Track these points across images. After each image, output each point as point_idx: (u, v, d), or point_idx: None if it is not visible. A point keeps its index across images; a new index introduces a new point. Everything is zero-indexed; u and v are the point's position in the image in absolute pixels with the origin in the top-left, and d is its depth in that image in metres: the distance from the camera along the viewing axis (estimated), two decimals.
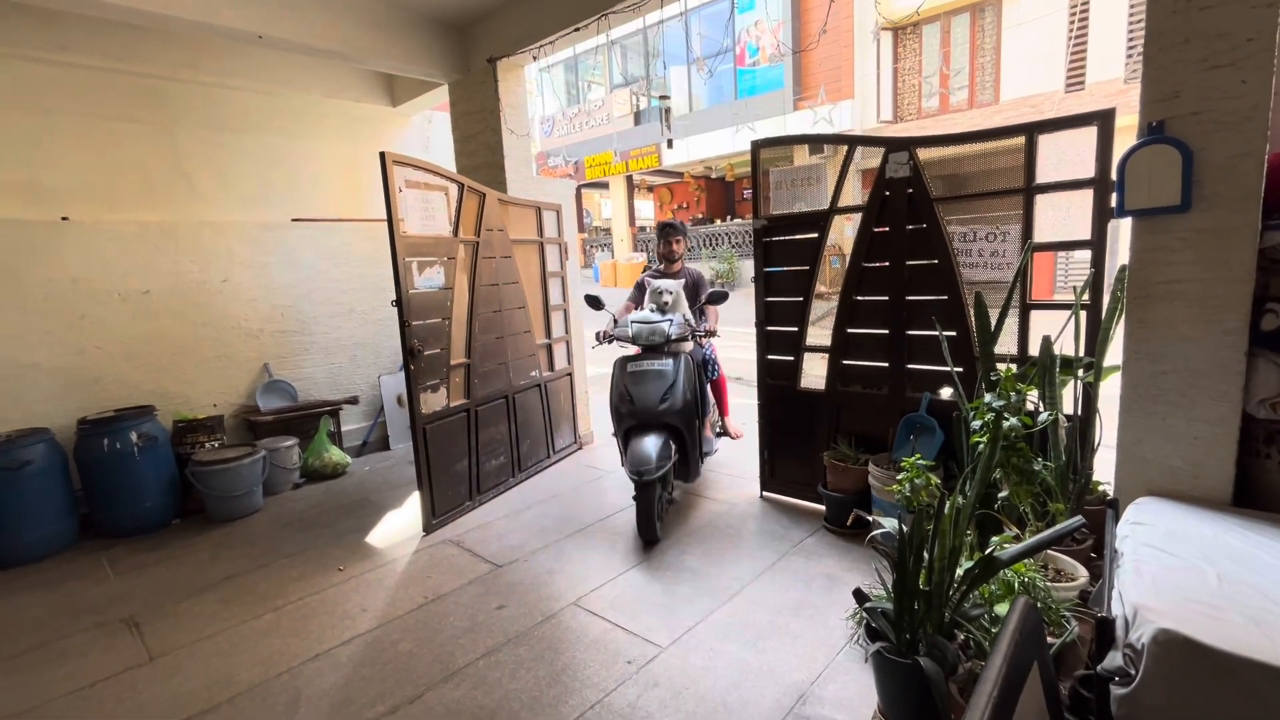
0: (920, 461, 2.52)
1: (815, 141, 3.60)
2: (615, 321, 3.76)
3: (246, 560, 3.36)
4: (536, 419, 4.53)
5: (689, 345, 3.72)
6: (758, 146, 3.50)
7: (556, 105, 19.00)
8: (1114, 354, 2.29)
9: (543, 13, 4.10)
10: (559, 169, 18.18)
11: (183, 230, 4.45)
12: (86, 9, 3.36)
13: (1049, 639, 1.75)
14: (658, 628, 2.51)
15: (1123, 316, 2.17)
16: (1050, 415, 2.35)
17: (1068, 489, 2.35)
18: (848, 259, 3.31)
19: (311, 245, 5.04)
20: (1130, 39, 9.65)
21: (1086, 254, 2.57)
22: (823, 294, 3.77)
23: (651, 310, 3.69)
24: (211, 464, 3.85)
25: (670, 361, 3.43)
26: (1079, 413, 2.45)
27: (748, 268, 13.25)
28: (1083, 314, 2.50)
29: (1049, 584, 1.94)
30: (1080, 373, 2.43)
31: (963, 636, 1.80)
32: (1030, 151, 2.67)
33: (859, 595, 1.95)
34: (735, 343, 6.50)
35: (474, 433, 3.90)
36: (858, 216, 3.25)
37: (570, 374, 4.96)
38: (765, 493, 3.76)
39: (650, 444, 3.19)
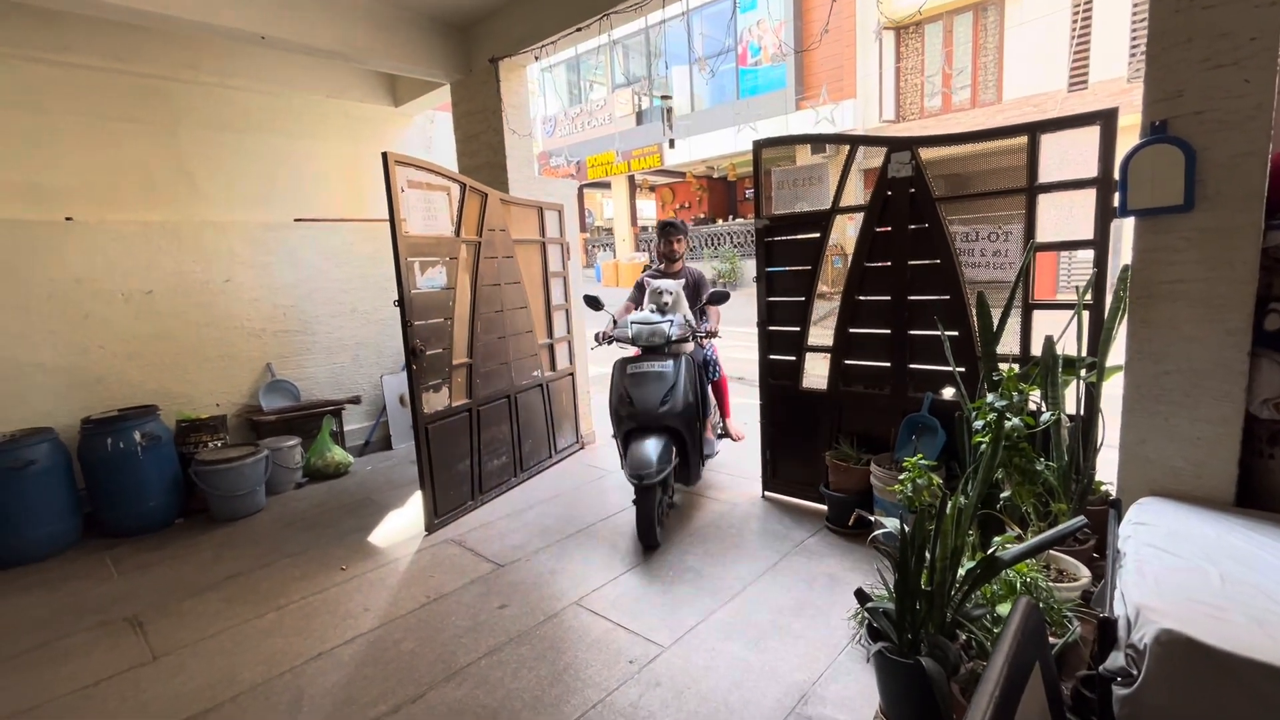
0: (922, 461, 2.52)
1: (817, 141, 3.59)
2: (614, 322, 3.72)
3: (249, 559, 3.37)
4: (538, 419, 4.54)
5: (690, 346, 3.68)
6: (760, 146, 3.50)
7: (558, 105, 19.00)
8: (1117, 354, 2.28)
9: (544, 13, 4.10)
10: (561, 169, 18.19)
11: (185, 230, 4.47)
12: (89, 9, 3.37)
13: (1051, 639, 1.75)
14: (659, 627, 2.52)
15: (1125, 316, 2.17)
16: (1052, 415, 2.35)
17: (1070, 489, 2.35)
18: (850, 259, 3.31)
19: (314, 245, 5.05)
20: (1133, 38, 9.63)
21: (1089, 254, 2.57)
22: (825, 294, 3.76)
23: (651, 311, 3.64)
24: (214, 463, 3.86)
25: (670, 363, 3.38)
26: (1081, 413, 2.44)
27: (750, 267, 13.26)
28: (1085, 314, 2.50)
29: (1051, 584, 1.94)
30: (1083, 373, 2.43)
31: (965, 637, 1.80)
32: (1033, 151, 2.67)
33: (861, 595, 1.95)
34: (737, 342, 6.50)
35: (476, 432, 3.90)
36: (860, 216, 3.25)
37: (572, 374, 4.97)
38: (767, 492, 3.76)
39: (650, 447, 3.14)
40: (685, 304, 3.83)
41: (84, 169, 4.23)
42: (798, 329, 3.49)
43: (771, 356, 3.63)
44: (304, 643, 2.56)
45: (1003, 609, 1.80)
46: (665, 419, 3.28)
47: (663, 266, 4.27)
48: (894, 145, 3.05)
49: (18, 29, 3.84)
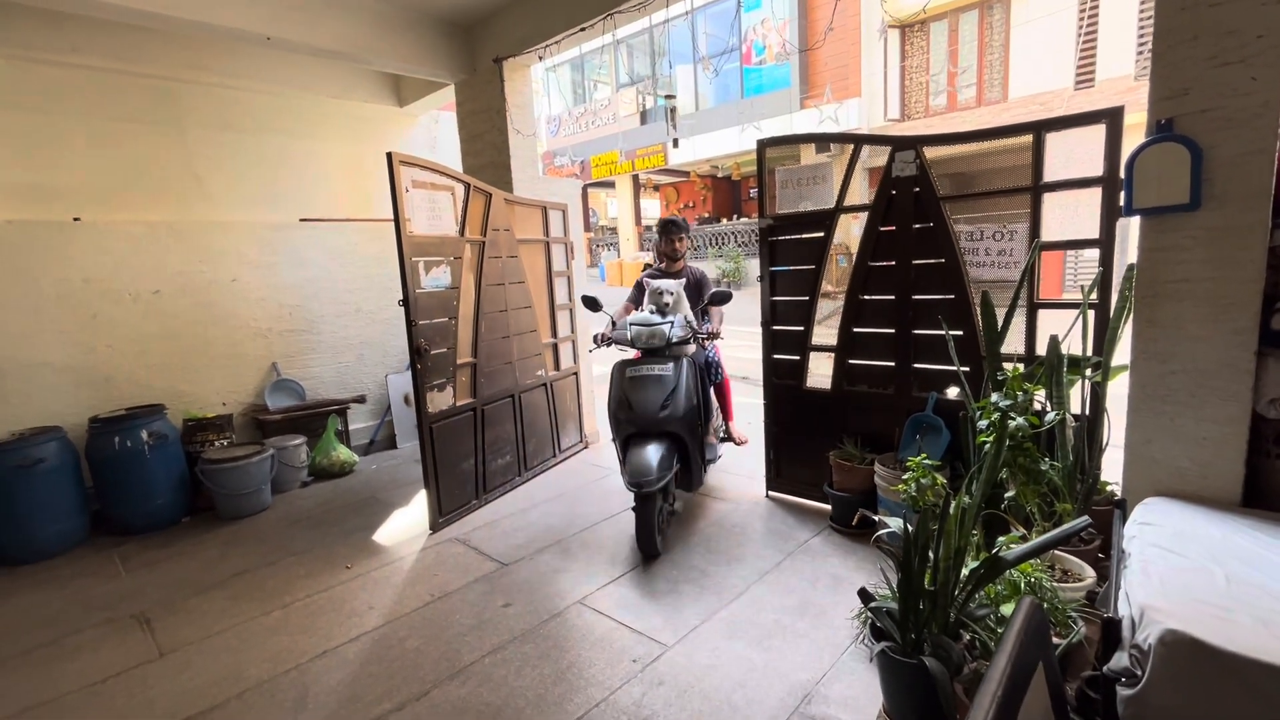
0: (926, 461, 2.51)
1: (821, 140, 3.59)
2: (613, 323, 3.60)
3: (255, 558, 3.39)
4: (542, 418, 4.55)
5: (691, 348, 3.57)
6: (764, 145, 3.49)
7: (563, 105, 19.02)
8: (1122, 353, 2.27)
9: (548, 12, 4.11)
10: (565, 168, 18.21)
11: (192, 230, 4.49)
12: (96, 11, 3.40)
13: (1056, 640, 1.75)
14: (663, 626, 2.52)
15: (1131, 316, 2.16)
16: (1057, 415, 2.34)
17: (1075, 489, 2.34)
18: (854, 258, 3.30)
19: (319, 245, 5.07)
20: (1140, 35, 9.57)
21: (1095, 253, 2.55)
22: (829, 293, 3.75)
23: (651, 311, 3.53)
24: (221, 462, 3.88)
25: (671, 365, 3.26)
26: (1087, 412, 2.43)
27: (754, 267, 13.24)
28: (1090, 313, 2.49)
29: (1056, 584, 1.93)
30: (1088, 372, 2.42)
31: (968, 637, 1.80)
32: (1038, 150, 2.66)
33: (864, 595, 1.95)
34: (741, 342, 6.49)
35: (480, 432, 3.91)
36: (864, 215, 3.24)
37: (576, 373, 4.97)
38: (771, 492, 3.76)
39: (650, 453, 3.03)
40: (686, 304, 3.74)
41: (91, 169, 4.27)
42: (801, 328, 3.48)
43: (775, 356, 3.62)
44: (309, 640, 2.57)
45: (1007, 609, 1.80)
46: (666, 424, 3.16)
47: (663, 266, 4.19)
48: (898, 144, 3.04)
49: (26, 31, 3.87)
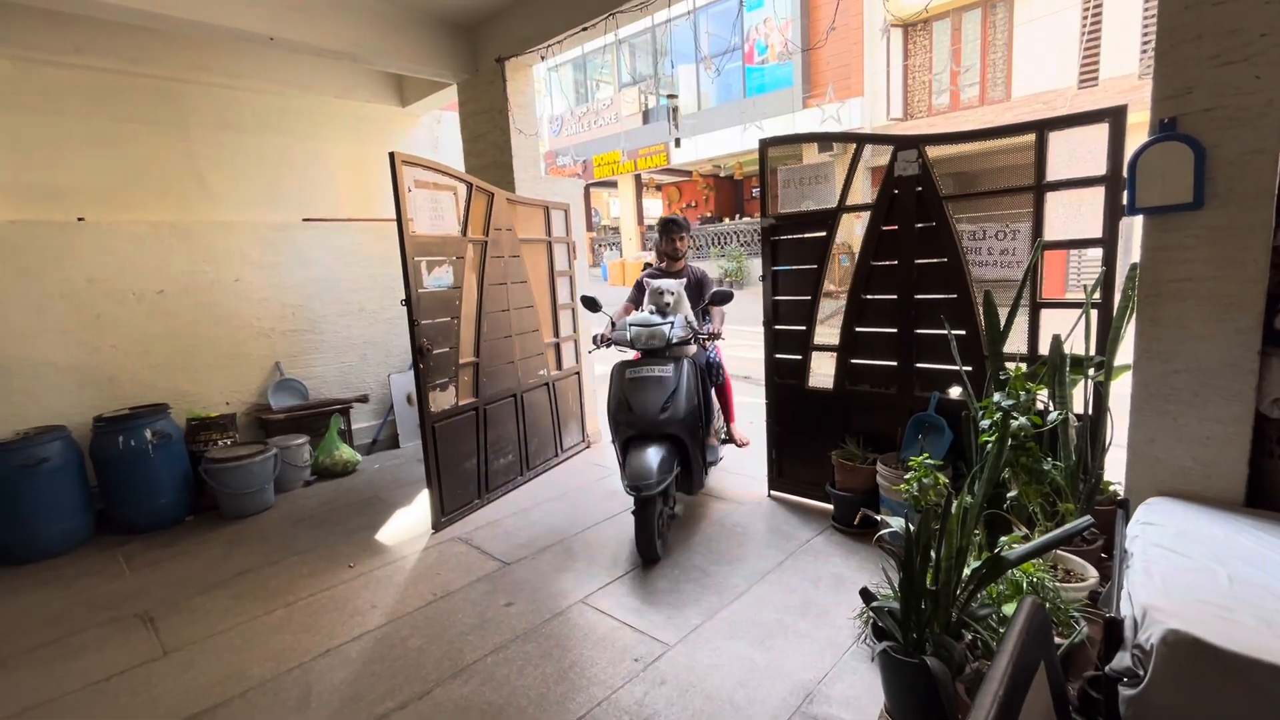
0: (928, 461, 2.51)
1: (824, 140, 3.58)
2: (613, 324, 3.55)
3: (258, 557, 3.40)
4: (544, 417, 4.55)
5: (692, 349, 3.50)
6: (766, 145, 3.49)
7: (565, 104, 19.03)
8: (1125, 353, 2.27)
9: (551, 12, 4.11)
10: (567, 168, 18.23)
11: (196, 230, 4.50)
12: (100, 12, 3.41)
13: (1058, 639, 1.74)
14: (664, 626, 2.52)
15: (1134, 315, 2.15)
16: (1060, 414, 2.34)
17: (1078, 489, 2.34)
18: (856, 257, 3.30)
19: (322, 245, 5.08)
20: (1145, 33, 9.54)
21: (1099, 252, 2.55)
22: (831, 292, 3.74)
23: (651, 312, 3.47)
24: (224, 461, 3.89)
25: (671, 367, 3.20)
26: (1089, 412, 2.43)
27: (756, 266, 13.23)
28: (1094, 312, 2.48)
29: (1058, 584, 1.93)
30: (1091, 372, 2.42)
31: (970, 636, 1.80)
32: (1041, 149, 2.66)
33: (866, 594, 1.95)
34: (743, 341, 6.49)
35: (482, 431, 3.92)
36: (866, 215, 3.24)
37: (578, 372, 4.98)
38: (773, 492, 3.76)
39: (650, 456, 2.97)
40: (687, 304, 3.68)
41: (95, 170, 4.28)
42: (804, 328, 3.48)
43: (777, 355, 3.62)
44: (312, 639, 2.58)
45: (1009, 609, 1.80)
46: (666, 426, 3.11)
47: (664, 265, 4.13)
48: (900, 143, 3.04)
49: (30, 32, 3.89)
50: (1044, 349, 2.56)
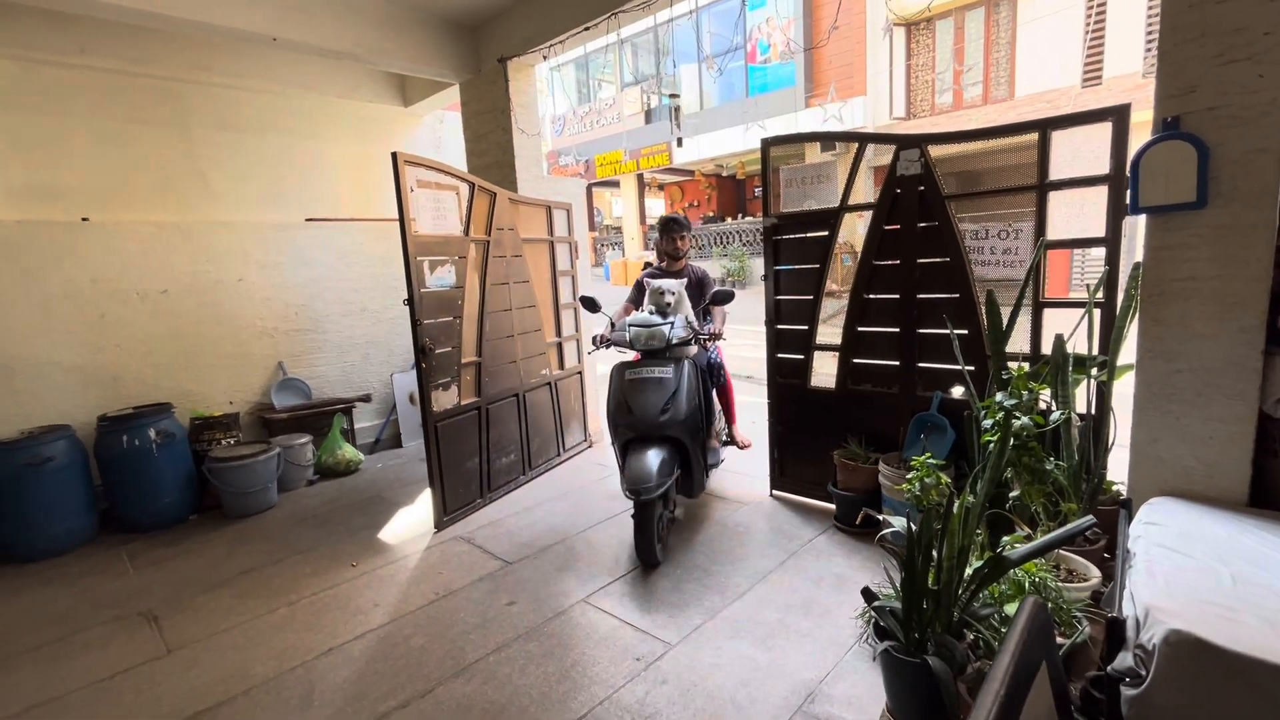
0: (931, 461, 2.51)
1: (826, 139, 3.58)
2: (612, 324, 3.51)
3: (261, 555, 3.41)
4: (547, 417, 4.56)
5: (693, 350, 3.44)
6: (768, 144, 3.49)
7: (567, 104, 19.04)
8: (1128, 352, 2.26)
9: (553, 12, 4.12)
10: (570, 168, 18.23)
11: (199, 230, 4.52)
12: (104, 13, 3.42)
13: (1060, 639, 1.74)
14: (666, 625, 2.52)
15: (1137, 314, 2.15)
16: (1062, 414, 2.33)
17: (1080, 489, 2.33)
18: (859, 256, 3.30)
19: (324, 245, 5.09)
20: (1149, 32, 9.51)
21: (1103, 251, 2.54)
22: (834, 292, 3.74)
23: (650, 312, 3.41)
24: (227, 460, 3.91)
25: (671, 368, 3.14)
26: (1092, 412, 2.42)
27: (759, 266, 13.21)
28: (1096, 312, 2.47)
29: (1061, 584, 1.93)
30: (1094, 371, 2.41)
31: (972, 636, 1.80)
32: (1044, 148, 2.65)
33: (867, 594, 1.95)
34: (746, 341, 6.49)
35: (485, 430, 3.92)
36: (869, 214, 3.23)
37: (580, 372, 4.98)
38: (775, 491, 3.76)
39: (650, 459, 2.92)
40: (688, 305, 3.62)
41: (100, 170, 4.30)
42: (806, 327, 3.48)
43: (779, 355, 3.62)
44: (315, 638, 2.59)
45: (1011, 608, 1.79)
46: (666, 428, 3.05)
47: (664, 265, 4.05)
48: (903, 143, 3.03)
49: (34, 33, 3.91)
50: (1047, 348, 2.56)
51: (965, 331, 2.89)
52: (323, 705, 2.19)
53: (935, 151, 2.96)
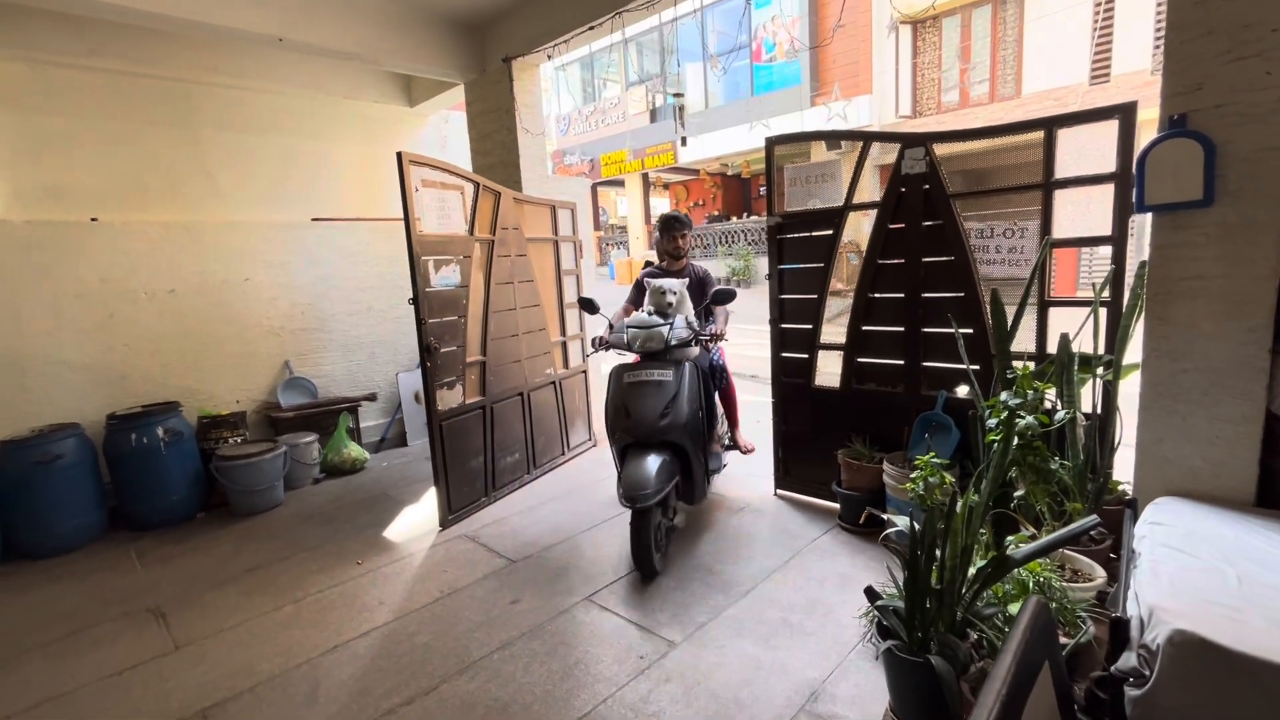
0: (935, 460, 2.50)
1: (831, 138, 3.57)
2: (611, 326, 3.41)
3: (268, 553, 3.43)
4: (551, 416, 4.56)
5: (694, 351, 3.31)
6: (772, 143, 3.48)
7: (572, 103, 19.05)
8: (1134, 352, 2.25)
9: (557, 11, 4.12)
10: (575, 167, 18.25)
11: (206, 230, 4.55)
12: (113, 14, 3.45)
13: (1065, 639, 1.74)
14: (670, 624, 2.53)
15: (1142, 313, 2.14)
16: (1068, 414, 2.32)
17: (1085, 488, 2.32)
18: (863, 255, 3.29)
19: (330, 244, 5.12)
20: (1158, 29, 9.43)
21: (1110, 250, 2.53)
22: (840, 291, 3.72)
23: (650, 313, 3.30)
24: (234, 459, 3.94)
25: (671, 370, 3.02)
26: (1098, 411, 2.41)
27: (764, 265, 13.18)
28: (1102, 311, 2.46)
29: (1065, 584, 1.92)
30: (1099, 371, 2.40)
31: (976, 636, 1.79)
32: (1049, 146, 2.64)
33: (870, 593, 1.94)
34: (750, 340, 6.48)
35: (489, 429, 3.94)
36: (874, 213, 3.22)
37: (585, 371, 4.99)
38: (779, 490, 3.75)
39: (648, 465, 2.81)
40: (689, 305, 3.50)
41: (108, 170, 4.34)
42: (810, 326, 3.47)
43: (784, 354, 3.61)
44: (320, 635, 2.60)
45: (1014, 608, 1.79)
46: (666, 433, 2.93)
47: (665, 265, 3.91)
48: (908, 141, 3.02)
49: (45, 35, 3.95)
50: (1052, 348, 2.55)
51: (970, 330, 2.88)
52: (328, 702, 2.20)
53: (940, 150, 2.95)
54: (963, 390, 2.99)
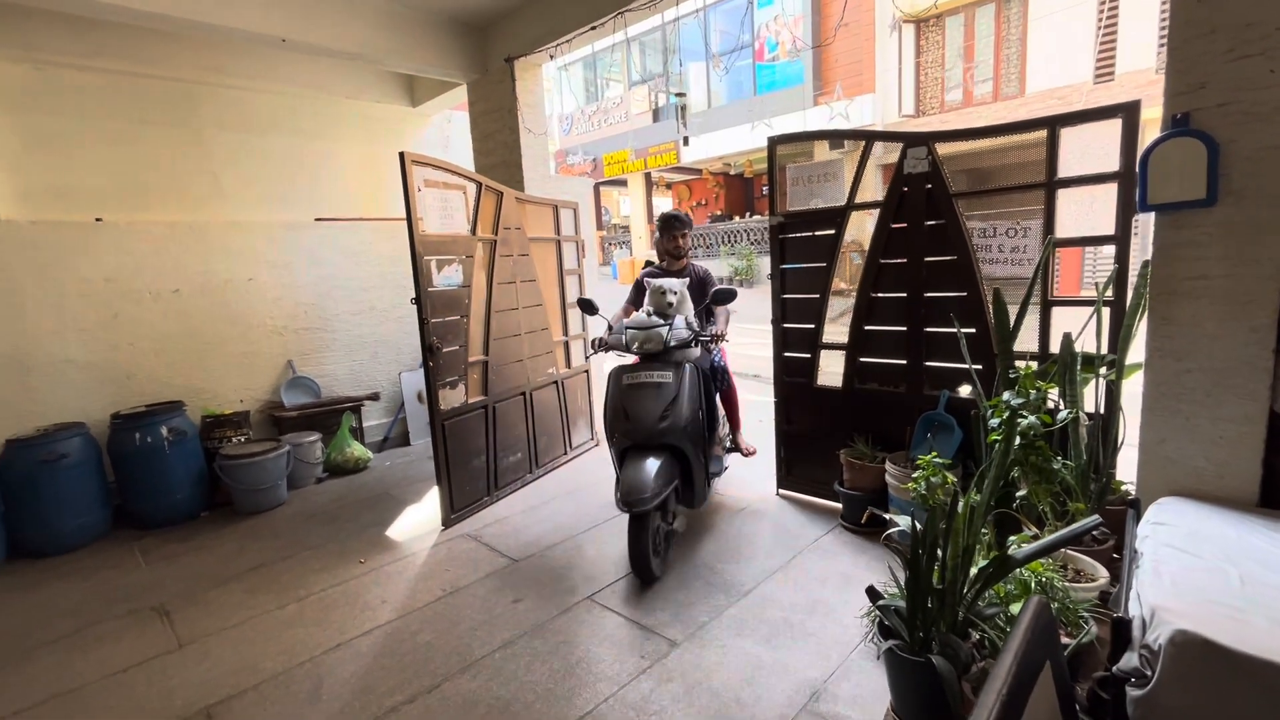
0: (938, 460, 2.50)
1: (833, 137, 3.57)
2: (611, 327, 3.36)
3: (271, 552, 3.44)
4: (553, 415, 4.57)
5: (695, 352, 3.25)
6: (774, 142, 3.48)
7: (574, 103, 19.05)
8: (1137, 351, 2.24)
9: (560, 11, 4.12)
10: (577, 166, 18.26)
11: (211, 230, 4.56)
12: (117, 16, 3.46)
13: (1067, 640, 1.73)
14: (671, 623, 2.53)
15: (1146, 313, 2.13)
16: (1070, 413, 2.32)
17: (1088, 488, 2.32)
18: (865, 255, 3.28)
19: (333, 244, 5.13)
20: (1162, 27, 9.35)
21: (1114, 249, 2.52)
22: (842, 290, 3.71)
23: (649, 313, 3.24)
24: (238, 458, 3.95)
25: (671, 372, 2.96)
26: (1101, 411, 2.40)
27: (767, 264, 13.17)
28: (1105, 310, 2.46)
29: (1068, 584, 1.92)
30: (1103, 370, 2.39)
31: (978, 635, 1.79)
32: (1052, 145, 2.63)
33: (872, 593, 1.94)
34: (752, 340, 6.48)
35: (492, 429, 3.94)
36: (876, 212, 3.22)
37: (587, 371, 4.99)
38: (781, 490, 3.75)
39: (647, 469, 2.74)
40: (690, 305, 3.43)
41: (113, 171, 4.36)
42: (812, 326, 3.47)
43: (786, 354, 3.61)
44: (323, 633, 2.61)
45: (1016, 608, 1.78)
46: (666, 436, 2.87)
47: (665, 264, 3.84)
48: (910, 140, 3.02)
49: (51, 37, 3.96)
50: (1055, 347, 2.54)
51: (973, 330, 2.88)
52: (331, 699, 2.21)
53: (943, 149, 2.94)
54: (965, 390, 2.98)
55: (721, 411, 3.70)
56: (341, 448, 4.70)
